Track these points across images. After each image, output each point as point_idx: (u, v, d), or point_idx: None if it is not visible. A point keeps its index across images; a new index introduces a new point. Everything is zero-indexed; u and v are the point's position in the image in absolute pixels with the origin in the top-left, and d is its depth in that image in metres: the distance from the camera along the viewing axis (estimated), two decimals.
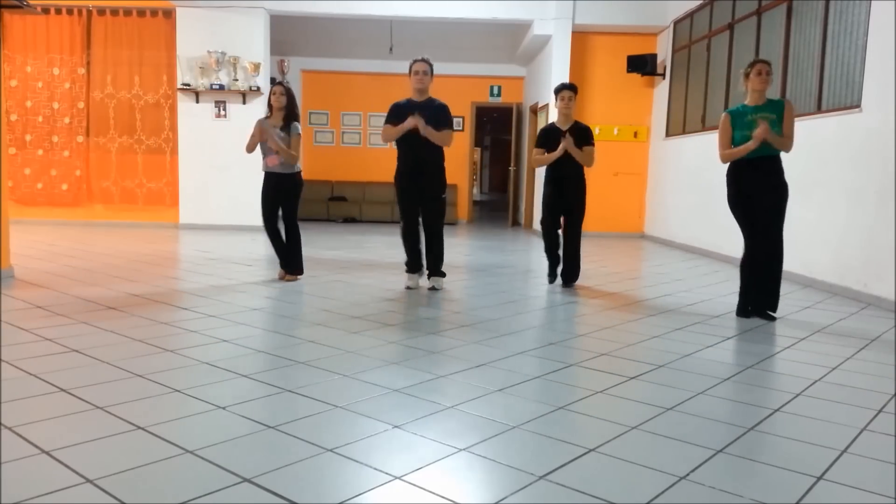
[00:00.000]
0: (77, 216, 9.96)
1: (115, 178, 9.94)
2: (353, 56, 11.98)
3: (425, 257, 5.33)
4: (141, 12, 9.68)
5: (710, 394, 2.89)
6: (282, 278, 5.46)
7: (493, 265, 6.79)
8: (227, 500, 1.83)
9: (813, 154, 5.95)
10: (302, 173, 5.51)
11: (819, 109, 5.90)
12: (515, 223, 12.36)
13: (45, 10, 9.40)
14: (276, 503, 1.82)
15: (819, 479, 2.08)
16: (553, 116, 9.62)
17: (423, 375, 3.00)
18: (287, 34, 10.72)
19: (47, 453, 2.08)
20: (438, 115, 5.09)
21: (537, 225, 10.74)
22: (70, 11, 9.68)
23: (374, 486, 1.94)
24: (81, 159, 9.90)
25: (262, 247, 7.68)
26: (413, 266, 5.36)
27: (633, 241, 10.01)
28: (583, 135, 5.45)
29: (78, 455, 2.07)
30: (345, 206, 11.99)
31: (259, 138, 5.24)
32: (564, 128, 5.43)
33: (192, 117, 9.60)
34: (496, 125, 21.99)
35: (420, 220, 5.28)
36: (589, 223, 10.35)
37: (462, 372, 3.08)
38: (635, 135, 10.35)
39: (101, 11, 9.69)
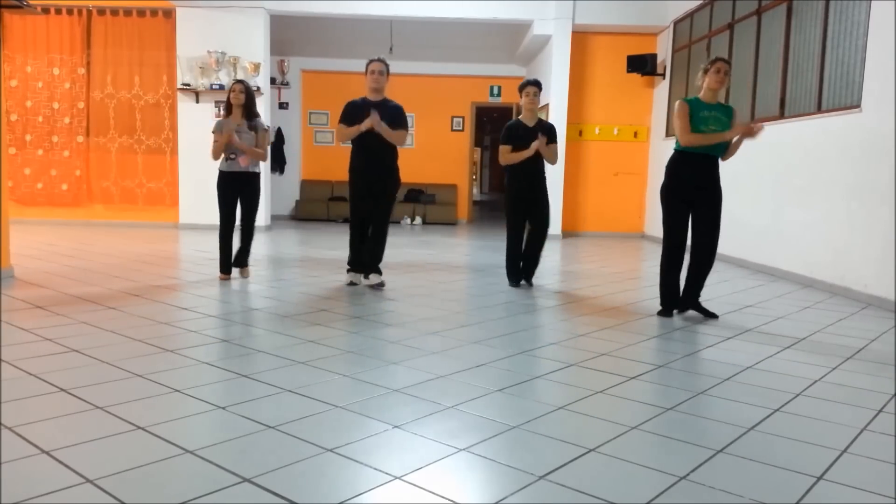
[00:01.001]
0: (77, 216, 9.96)
1: (115, 178, 9.93)
2: (353, 56, 11.96)
3: (365, 253, 5.28)
4: (141, 12, 9.68)
5: (710, 394, 2.89)
6: (224, 282, 5.36)
7: (493, 265, 6.78)
8: (227, 500, 1.83)
9: (813, 154, 5.95)
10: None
11: (819, 109, 5.90)
12: None
13: (45, 10, 9.40)
14: (276, 503, 1.82)
15: (819, 479, 2.08)
16: (552, 116, 9.67)
17: (423, 375, 3.00)
18: (287, 34, 10.72)
19: (47, 453, 2.08)
20: (394, 115, 5.15)
21: None
22: (70, 11, 9.67)
23: (374, 486, 1.94)
24: (81, 159, 9.90)
25: (261, 247, 7.68)
26: (360, 263, 5.34)
27: (633, 241, 10.02)
28: (550, 133, 5.45)
29: (78, 455, 2.07)
30: (345, 207, 11.88)
31: (225, 141, 5.26)
32: (530, 124, 5.40)
33: (192, 117, 9.60)
34: (496, 125, 21.95)
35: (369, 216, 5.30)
36: (589, 223, 10.51)
37: (462, 372, 3.08)
38: (635, 135, 10.36)
39: (101, 11, 9.68)
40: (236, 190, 5.39)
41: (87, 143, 9.88)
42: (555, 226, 9.92)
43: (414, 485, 1.95)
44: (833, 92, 5.75)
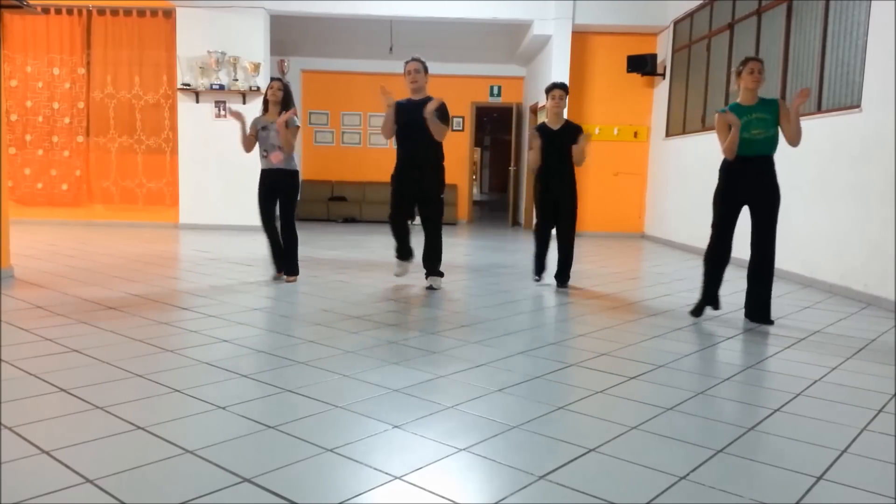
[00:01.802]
0: (77, 216, 9.96)
1: (115, 178, 9.94)
2: (353, 56, 11.99)
3: (423, 258, 5.36)
4: (141, 12, 9.68)
5: (710, 394, 2.89)
6: (276, 280, 5.43)
7: (493, 265, 6.78)
8: (227, 500, 1.83)
9: (813, 154, 5.95)
10: (300, 174, 5.53)
11: (819, 109, 5.90)
12: (515, 223, 12.36)
13: (45, 10, 9.41)
14: (276, 503, 1.82)
15: (819, 479, 2.08)
16: None
17: (423, 375, 3.00)
18: (287, 34, 10.73)
19: (47, 453, 2.08)
20: (436, 111, 5.13)
21: None
22: (70, 11, 9.68)
23: (374, 486, 1.94)
24: (81, 159, 9.90)
25: (262, 247, 7.67)
26: (403, 253, 5.40)
27: (633, 241, 10.01)
28: (576, 133, 5.49)
29: (78, 455, 2.07)
30: (345, 206, 11.99)
31: (251, 134, 5.35)
32: (556, 127, 5.44)
33: (192, 117, 9.61)
34: (496, 125, 21.98)
35: (413, 216, 5.38)
36: (589, 223, 10.50)
37: (462, 372, 3.08)
38: (635, 135, 10.36)
39: (101, 11, 9.69)
40: (270, 188, 5.40)
41: (87, 143, 9.89)
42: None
43: (414, 485, 1.95)
44: (833, 92, 5.75)
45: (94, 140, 9.88)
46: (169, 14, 9.62)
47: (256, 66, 9.40)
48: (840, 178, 5.56)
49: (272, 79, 5.49)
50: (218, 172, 9.64)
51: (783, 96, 6.50)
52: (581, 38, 10.00)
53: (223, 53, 9.41)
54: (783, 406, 2.75)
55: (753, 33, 7.18)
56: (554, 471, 2.06)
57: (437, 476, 2.02)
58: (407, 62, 5.20)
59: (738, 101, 4.28)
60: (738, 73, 4.25)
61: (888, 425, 2.57)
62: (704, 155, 8.07)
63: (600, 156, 10.38)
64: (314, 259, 6.81)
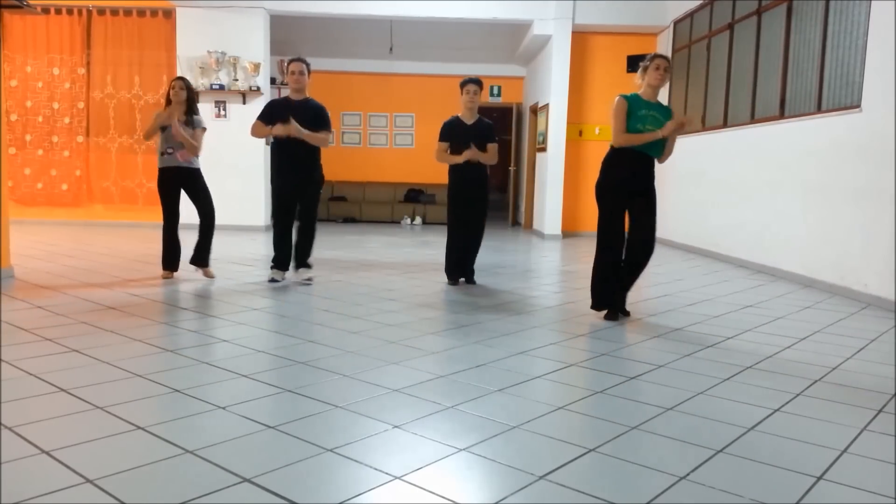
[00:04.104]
0: (77, 216, 9.96)
1: (115, 178, 9.93)
2: (353, 56, 11.98)
3: (296, 250, 5.37)
4: (141, 12, 9.68)
5: (709, 394, 2.89)
6: (165, 279, 5.40)
7: (493, 265, 6.78)
8: (227, 500, 1.83)
9: (813, 154, 5.95)
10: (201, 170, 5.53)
11: (819, 109, 5.90)
12: (515, 223, 12.36)
13: (45, 10, 9.40)
14: (276, 503, 1.83)
15: (819, 479, 2.08)
16: (553, 116, 9.67)
17: (423, 375, 3.00)
18: (287, 34, 10.73)
19: (47, 453, 2.08)
20: (316, 116, 5.14)
21: (538, 225, 10.78)
22: (70, 11, 9.67)
23: (374, 486, 1.94)
24: (81, 159, 9.90)
25: (261, 247, 7.68)
26: (281, 263, 5.39)
27: None
28: (487, 132, 5.47)
29: (78, 455, 2.07)
30: (345, 206, 11.99)
31: (161, 122, 5.35)
32: (469, 122, 5.42)
33: None
34: (496, 125, 21.90)
35: (296, 215, 5.35)
36: (589, 223, 10.48)
37: (462, 372, 3.08)
38: None
39: (101, 11, 9.68)
40: (178, 185, 5.45)
41: (87, 143, 9.88)
42: (555, 226, 9.93)
43: (414, 485, 1.95)
44: (833, 92, 5.75)
45: (94, 140, 9.87)
46: (169, 14, 9.62)
47: (256, 66, 9.40)
48: (840, 179, 5.56)
49: (176, 78, 5.44)
50: (217, 172, 9.58)
51: (783, 96, 6.50)
52: (581, 38, 9.99)
53: (223, 53, 9.41)
54: (783, 406, 2.75)
55: (753, 33, 7.18)
56: (554, 471, 2.06)
57: (437, 476, 2.02)
58: (292, 61, 5.18)
59: (640, 93, 4.27)
60: (645, 69, 4.25)
61: (888, 425, 2.57)
62: (704, 155, 8.08)
63: (600, 156, 10.35)
64: (313, 259, 6.80)
